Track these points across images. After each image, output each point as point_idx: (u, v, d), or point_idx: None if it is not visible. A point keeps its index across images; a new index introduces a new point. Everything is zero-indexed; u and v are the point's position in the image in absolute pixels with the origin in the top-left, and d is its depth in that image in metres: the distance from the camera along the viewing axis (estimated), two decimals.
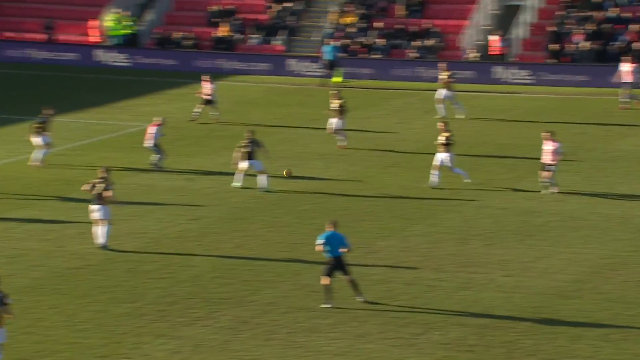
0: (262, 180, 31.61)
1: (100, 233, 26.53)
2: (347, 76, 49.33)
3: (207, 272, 25.26)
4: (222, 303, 23.37)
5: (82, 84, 48.72)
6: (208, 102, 40.58)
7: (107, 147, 36.87)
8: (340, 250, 22.75)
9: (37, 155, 34.09)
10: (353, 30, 52.81)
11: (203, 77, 40.96)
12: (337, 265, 22.78)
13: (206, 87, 40.65)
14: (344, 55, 51.00)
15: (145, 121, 40.84)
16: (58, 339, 21.44)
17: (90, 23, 54.42)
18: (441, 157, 31.82)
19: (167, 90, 47.13)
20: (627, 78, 43.31)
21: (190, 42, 53.60)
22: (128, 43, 54.08)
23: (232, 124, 40.37)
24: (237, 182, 31.83)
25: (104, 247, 26.46)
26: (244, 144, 31.73)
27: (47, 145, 34.05)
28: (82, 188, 27.17)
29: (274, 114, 42.73)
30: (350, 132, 38.33)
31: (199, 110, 40.44)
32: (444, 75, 41.67)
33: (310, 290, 23.72)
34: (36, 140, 34.03)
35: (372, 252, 26.70)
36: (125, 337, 21.52)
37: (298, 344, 21.32)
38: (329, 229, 22.94)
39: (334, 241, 22.71)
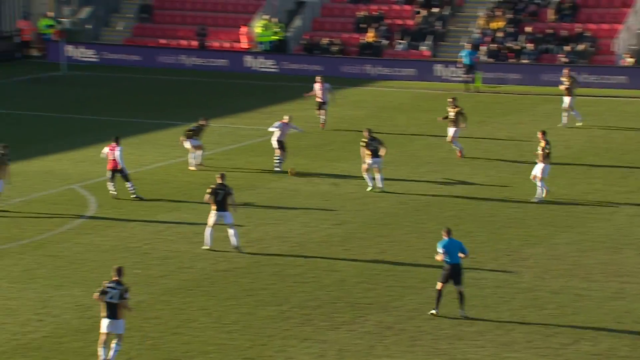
0: (378, 179, 31.75)
1: (214, 236, 26.87)
2: (495, 81, 48.78)
3: (352, 276, 25.28)
4: (366, 308, 23.34)
5: (232, 90, 49.48)
6: (321, 105, 40.18)
7: (254, 152, 37.32)
8: (460, 255, 22.65)
9: (192, 159, 34.76)
10: (501, 35, 52.20)
11: (316, 79, 40.83)
12: (454, 272, 22.59)
13: (317, 89, 40.43)
14: (491, 60, 50.47)
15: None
16: (206, 339, 21.76)
17: (241, 30, 55.28)
18: (538, 167, 30.86)
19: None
20: None
21: (336, 48, 53.87)
22: (276, 49, 54.72)
23: (377, 129, 40.38)
24: (369, 184, 31.90)
25: (237, 249, 26.78)
26: (364, 143, 31.85)
27: (198, 147, 34.63)
28: (205, 199, 27.27)
29: (420, 119, 42.54)
30: (497, 140, 37.82)
31: (323, 116, 40.20)
32: (565, 82, 40.61)
33: (454, 297, 23.47)
34: (187, 144, 34.68)
35: (519, 259, 26.27)
36: (271, 340, 21.70)
37: (442, 351, 21.13)
38: (445, 237, 22.78)
39: (452, 248, 22.67)
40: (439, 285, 22.82)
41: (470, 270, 24.45)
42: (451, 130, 35.86)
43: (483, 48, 50.48)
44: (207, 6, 57.81)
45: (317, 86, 40.55)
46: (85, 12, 58.09)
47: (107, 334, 20.43)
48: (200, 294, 24.28)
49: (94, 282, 24.77)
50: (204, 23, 56.25)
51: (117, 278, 20.46)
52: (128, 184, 31.15)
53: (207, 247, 26.89)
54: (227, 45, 55.66)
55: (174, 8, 58.08)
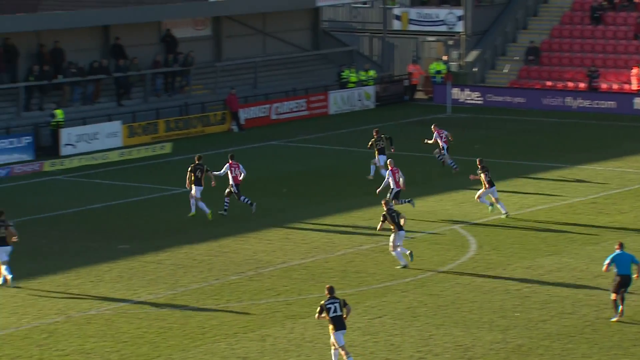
0: (500, 206, 33.53)
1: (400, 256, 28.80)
2: None
3: None
4: None
5: (619, 132, 48.00)
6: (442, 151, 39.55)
7: None
8: (634, 268, 23.79)
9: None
10: None
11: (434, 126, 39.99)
12: (624, 282, 23.75)
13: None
14: None
15: None
16: None
17: (632, 71, 53.63)
18: None
19: None
20: None
21: None
22: None
23: None
24: (489, 207, 33.72)
25: (411, 255, 28.79)
26: (481, 171, 33.52)
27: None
28: (381, 227, 28.63)
29: None
30: None
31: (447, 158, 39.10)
32: None
33: None
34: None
35: None
36: None
37: None
38: (617, 249, 23.97)
39: (623, 260, 23.92)
40: (613, 296, 24.16)
41: None
42: None
43: None
44: (597, 48, 56.62)
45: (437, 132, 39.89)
46: (472, 55, 58.70)
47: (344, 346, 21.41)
48: (582, 341, 23.46)
49: (474, 323, 24.64)
50: (595, 65, 55.09)
51: (330, 295, 21.54)
52: (242, 198, 34.11)
53: (402, 266, 28.68)
54: (615, 86, 54.14)
55: (562, 50, 57.39)
